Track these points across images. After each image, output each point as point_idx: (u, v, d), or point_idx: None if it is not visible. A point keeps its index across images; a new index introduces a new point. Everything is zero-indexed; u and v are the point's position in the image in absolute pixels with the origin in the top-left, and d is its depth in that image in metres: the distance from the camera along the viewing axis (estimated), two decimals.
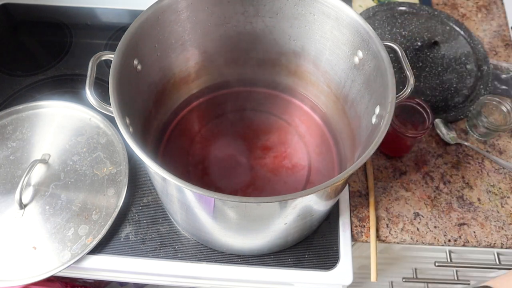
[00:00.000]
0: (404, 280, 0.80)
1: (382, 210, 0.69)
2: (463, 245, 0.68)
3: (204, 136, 0.71)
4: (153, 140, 0.67)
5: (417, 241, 0.68)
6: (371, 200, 0.70)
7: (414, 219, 0.69)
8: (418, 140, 0.73)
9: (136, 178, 0.71)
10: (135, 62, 0.56)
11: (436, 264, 0.74)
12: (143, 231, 0.66)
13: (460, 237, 0.67)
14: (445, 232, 0.68)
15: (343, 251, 0.65)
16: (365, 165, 0.74)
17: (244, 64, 0.73)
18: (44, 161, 0.70)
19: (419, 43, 0.87)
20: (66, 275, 0.67)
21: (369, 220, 0.68)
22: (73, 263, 0.61)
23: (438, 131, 0.77)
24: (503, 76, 0.84)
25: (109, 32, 0.91)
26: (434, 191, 0.72)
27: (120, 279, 0.69)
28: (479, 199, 0.71)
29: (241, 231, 0.57)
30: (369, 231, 0.67)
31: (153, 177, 0.56)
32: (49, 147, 0.72)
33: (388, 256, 0.83)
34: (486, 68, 0.84)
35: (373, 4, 0.94)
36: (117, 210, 0.65)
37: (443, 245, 0.68)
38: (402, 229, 0.68)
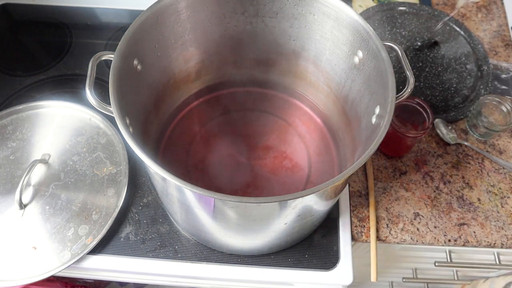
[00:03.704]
0: (404, 280, 0.80)
1: (382, 210, 0.69)
2: (463, 245, 0.68)
3: (204, 136, 0.71)
4: (153, 140, 0.67)
5: (417, 241, 0.68)
6: (371, 200, 0.70)
7: (414, 219, 0.69)
8: (418, 140, 0.73)
9: (136, 178, 0.71)
10: (135, 62, 0.56)
11: (436, 264, 0.75)
12: (143, 231, 0.66)
13: (460, 237, 0.67)
14: (445, 232, 0.68)
15: (343, 251, 0.65)
16: (365, 165, 0.74)
17: (244, 64, 0.73)
18: (44, 161, 0.70)
19: (419, 43, 0.87)
20: (66, 275, 0.67)
21: (369, 220, 0.68)
22: (73, 263, 0.61)
23: (438, 131, 0.77)
24: (503, 76, 0.84)
25: (109, 32, 0.91)
26: (434, 191, 0.72)
27: (120, 279, 0.69)
28: (479, 199, 0.71)
29: (241, 231, 0.57)
30: (369, 231, 0.67)
31: (153, 177, 0.56)
32: (49, 147, 0.72)
33: (388, 256, 0.83)
34: (486, 68, 0.84)
35: (373, 4, 0.94)
36: (117, 210, 0.65)
37: (443, 245, 0.68)
38: (402, 229, 0.68)
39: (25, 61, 0.88)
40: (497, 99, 0.76)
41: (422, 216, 0.69)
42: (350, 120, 0.65)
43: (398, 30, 0.89)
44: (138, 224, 0.67)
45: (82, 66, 0.86)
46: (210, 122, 0.73)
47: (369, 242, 0.67)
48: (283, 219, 0.52)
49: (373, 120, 0.55)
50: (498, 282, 0.67)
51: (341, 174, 0.45)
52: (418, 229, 0.68)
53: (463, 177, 0.73)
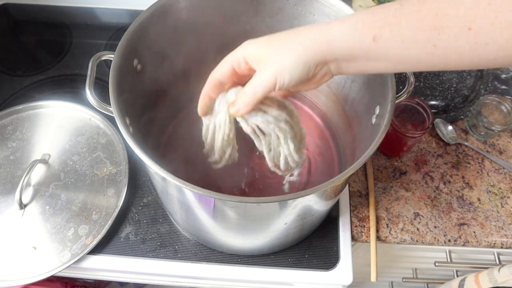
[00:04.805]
0: (404, 280, 0.80)
1: (382, 210, 0.69)
2: (463, 245, 0.68)
3: None
4: (153, 140, 0.67)
5: (417, 241, 0.68)
6: (371, 200, 0.70)
7: (414, 219, 0.69)
8: (418, 140, 0.73)
9: (136, 178, 0.71)
10: (135, 62, 0.56)
11: (436, 264, 0.75)
12: (143, 231, 0.66)
13: (460, 237, 0.67)
14: (445, 232, 0.68)
15: (343, 251, 0.65)
16: (365, 165, 0.74)
17: None
18: (44, 161, 0.70)
19: None
20: (66, 275, 0.67)
21: (369, 220, 0.68)
22: (73, 263, 0.61)
23: (438, 131, 0.77)
24: (503, 76, 0.84)
25: (109, 32, 0.91)
26: (434, 191, 0.72)
27: (120, 279, 0.69)
28: (479, 199, 0.71)
29: (241, 231, 0.56)
30: (369, 231, 0.67)
31: (153, 177, 0.56)
32: (49, 147, 0.72)
33: (388, 256, 0.83)
34: (486, 68, 0.84)
35: (373, 4, 0.94)
36: (117, 210, 0.65)
37: (443, 245, 0.68)
38: (402, 229, 0.68)
39: (25, 61, 0.88)
40: (497, 99, 0.76)
41: (422, 216, 0.69)
42: (350, 120, 0.65)
43: None
44: (138, 224, 0.67)
45: (82, 66, 0.86)
46: None
47: (369, 242, 0.67)
48: (283, 219, 0.52)
49: (373, 120, 0.55)
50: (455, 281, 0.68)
51: (341, 174, 0.45)
52: (418, 229, 0.68)
53: (463, 177, 0.73)
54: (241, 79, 0.45)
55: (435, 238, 0.67)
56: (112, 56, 0.52)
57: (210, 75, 0.45)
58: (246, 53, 0.41)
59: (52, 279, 0.70)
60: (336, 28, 0.37)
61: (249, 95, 0.40)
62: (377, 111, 0.53)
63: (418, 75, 0.83)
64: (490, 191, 0.72)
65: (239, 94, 0.42)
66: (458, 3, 0.33)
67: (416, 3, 0.35)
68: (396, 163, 0.74)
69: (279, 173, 0.53)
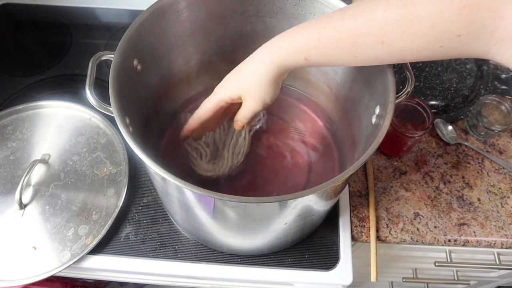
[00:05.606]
0: (404, 280, 0.80)
1: (382, 210, 0.69)
2: (463, 245, 0.68)
3: None
4: (153, 140, 0.67)
5: (417, 241, 0.68)
6: (371, 200, 0.70)
7: (414, 219, 0.69)
8: (418, 140, 0.73)
9: (136, 178, 0.71)
10: (135, 62, 0.56)
11: (436, 264, 0.75)
12: (143, 231, 0.66)
13: (460, 237, 0.67)
14: (445, 232, 0.68)
15: (343, 251, 0.65)
16: (365, 165, 0.74)
17: None
18: (44, 161, 0.70)
19: None
20: (66, 275, 0.67)
21: (369, 220, 0.68)
22: (73, 263, 0.61)
23: (438, 131, 0.77)
24: (503, 76, 0.84)
25: (109, 32, 0.91)
26: (434, 191, 0.72)
27: (120, 279, 0.69)
28: (479, 199, 0.71)
29: (241, 231, 0.57)
30: (369, 231, 0.67)
31: (153, 177, 0.56)
32: (49, 147, 0.72)
33: (388, 256, 0.83)
34: (486, 68, 0.84)
35: None
36: (117, 210, 0.65)
37: (443, 245, 0.68)
38: (402, 229, 0.68)
39: (25, 61, 0.88)
40: (497, 99, 0.76)
41: (422, 216, 0.69)
42: (350, 120, 0.65)
43: None
44: (138, 224, 0.67)
45: (82, 66, 0.86)
46: None
47: (369, 242, 0.67)
48: (283, 219, 0.52)
49: (373, 120, 0.55)
50: None
51: (341, 174, 0.45)
52: (418, 229, 0.68)
53: (463, 177, 0.73)
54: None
55: (435, 238, 0.67)
56: (112, 56, 0.52)
57: (195, 115, 0.56)
58: (228, 97, 0.52)
59: (52, 279, 0.70)
60: (277, 55, 0.48)
61: (244, 118, 0.53)
62: (377, 111, 0.53)
63: (418, 75, 0.83)
64: (490, 191, 0.72)
65: (238, 117, 0.54)
66: (371, 22, 0.40)
67: (337, 23, 0.42)
68: (396, 163, 0.74)
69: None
